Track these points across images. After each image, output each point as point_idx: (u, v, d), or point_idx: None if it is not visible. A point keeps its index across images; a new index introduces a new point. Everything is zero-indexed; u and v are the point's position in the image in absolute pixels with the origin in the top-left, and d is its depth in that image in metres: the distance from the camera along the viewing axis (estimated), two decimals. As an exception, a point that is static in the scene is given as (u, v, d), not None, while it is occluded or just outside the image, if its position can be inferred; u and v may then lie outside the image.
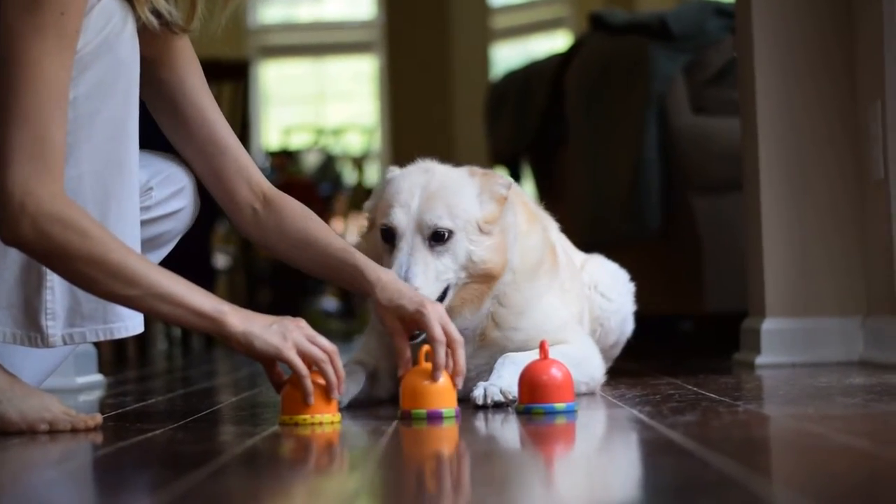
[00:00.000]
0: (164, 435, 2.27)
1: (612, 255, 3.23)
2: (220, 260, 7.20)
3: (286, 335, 2.25)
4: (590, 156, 5.04)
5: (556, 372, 2.38)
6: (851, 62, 3.46)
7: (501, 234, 2.63)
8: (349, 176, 9.72)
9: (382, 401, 2.69)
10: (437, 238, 2.57)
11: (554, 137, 5.44)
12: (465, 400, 2.49)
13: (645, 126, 4.55)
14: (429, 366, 2.38)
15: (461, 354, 2.43)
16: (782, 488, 1.55)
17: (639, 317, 3.15)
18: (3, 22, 2.17)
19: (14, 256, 2.27)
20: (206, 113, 2.49)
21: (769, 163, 3.48)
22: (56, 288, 2.30)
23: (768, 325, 3.46)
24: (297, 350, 2.26)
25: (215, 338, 2.37)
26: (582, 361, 2.70)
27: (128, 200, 2.34)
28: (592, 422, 2.37)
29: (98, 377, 3.57)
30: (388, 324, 2.49)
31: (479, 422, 2.33)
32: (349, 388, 2.59)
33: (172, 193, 2.53)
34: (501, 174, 2.73)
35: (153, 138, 2.49)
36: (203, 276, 5.70)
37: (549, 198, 3.71)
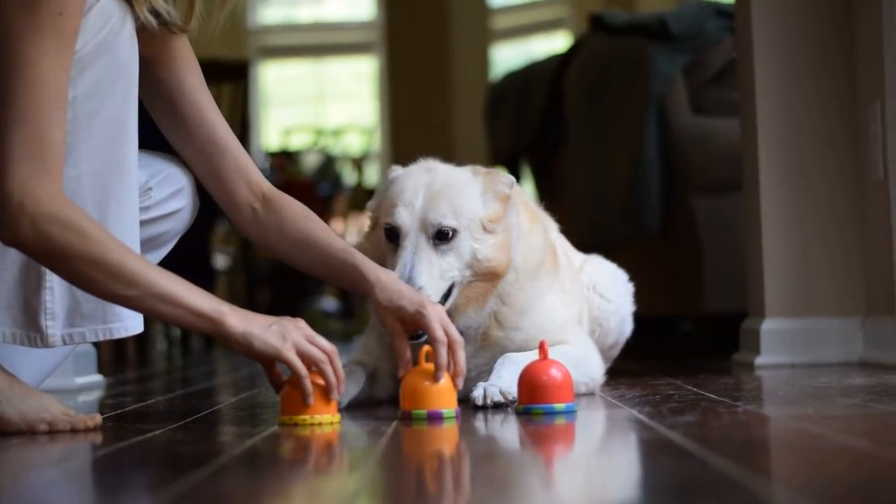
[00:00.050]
0: (163, 435, 2.27)
1: (611, 255, 3.23)
2: (220, 260, 7.20)
3: (285, 336, 2.25)
4: (589, 156, 5.04)
5: (555, 372, 2.38)
6: (851, 62, 3.46)
7: (505, 233, 2.63)
8: (349, 176, 9.72)
9: (382, 401, 2.69)
10: (442, 237, 2.57)
11: (553, 138, 5.44)
12: (464, 400, 2.48)
13: (645, 126, 4.55)
14: (429, 366, 2.38)
15: (461, 355, 2.43)
16: (782, 489, 1.55)
17: (638, 317, 3.15)
18: (1, 22, 2.17)
19: (13, 256, 2.27)
20: (205, 112, 2.49)
21: (769, 163, 3.48)
22: (55, 288, 2.29)
23: (768, 326, 3.46)
24: (297, 350, 2.26)
25: (215, 338, 2.37)
26: (581, 362, 2.70)
27: (127, 200, 2.34)
28: (592, 422, 2.37)
29: (97, 377, 3.57)
30: (388, 324, 2.49)
31: (479, 422, 2.33)
32: (349, 388, 2.58)
33: (171, 194, 2.53)
34: (504, 173, 2.73)
35: (151, 138, 2.49)
36: (202, 277, 5.70)
37: (549, 198, 3.71)
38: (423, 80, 10.27)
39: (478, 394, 2.48)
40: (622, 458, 1.96)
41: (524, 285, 2.68)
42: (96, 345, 3.70)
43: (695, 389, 2.74)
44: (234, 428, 2.43)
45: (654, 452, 1.94)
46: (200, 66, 2.50)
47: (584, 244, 3.31)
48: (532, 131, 5.56)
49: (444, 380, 2.38)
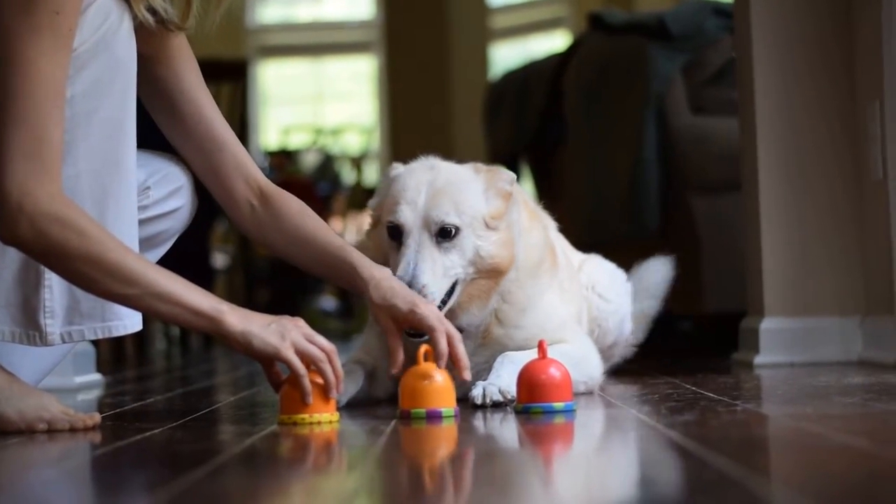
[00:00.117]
0: (162, 434, 2.27)
1: (610, 255, 3.23)
2: (219, 259, 7.20)
3: (284, 335, 2.25)
4: (588, 156, 5.04)
5: (554, 371, 2.37)
6: (850, 62, 3.46)
7: (507, 230, 2.63)
8: (348, 176, 9.72)
9: (381, 400, 2.69)
10: (445, 234, 2.57)
11: (552, 137, 5.44)
12: (463, 399, 2.48)
13: (644, 126, 4.55)
14: (427, 365, 2.38)
15: (461, 348, 2.43)
16: (781, 488, 1.55)
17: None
18: (-1, 22, 2.17)
19: (13, 255, 2.27)
20: (204, 110, 2.49)
21: (768, 163, 3.48)
22: (54, 286, 2.29)
23: (767, 325, 3.46)
24: (296, 349, 2.26)
25: (214, 337, 2.37)
26: (581, 361, 2.70)
27: (125, 199, 2.34)
28: (591, 421, 2.37)
29: (96, 376, 3.57)
30: (382, 322, 2.49)
31: (478, 421, 2.33)
32: (348, 387, 2.58)
33: (170, 192, 2.53)
34: (505, 170, 2.74)
35: (150, 137, 2.49)
36: (202, 276, 5.70)
37: (548, 198, 3.71)
38: (423, 79, 10.27)
39: (477, 393, 2.47)
40: (621, 457, 1.96)
41: (525, 283, 2.68)
42: (95, 344, 3.69)
43: (694, 388, 2.74)
44: (233, 427, 2.43)
45: (653, 451, 1.94)
46: (199, 66, 2.50)
47: (583, 243, 3.31)
48: (531, 130, 5.55)
49: (443, 379, 2.38)
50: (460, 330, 2.53)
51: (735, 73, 3.70)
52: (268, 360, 2.29)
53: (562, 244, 2.97)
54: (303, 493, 1.68)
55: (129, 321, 2.35)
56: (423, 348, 2.39)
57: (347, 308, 9.05)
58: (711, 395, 2.60)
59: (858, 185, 3.44)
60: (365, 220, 2.76)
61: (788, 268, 3.47)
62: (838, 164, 3.47)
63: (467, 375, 2.43)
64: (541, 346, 2.39)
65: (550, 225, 2.91)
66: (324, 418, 2.29)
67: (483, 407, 2.46)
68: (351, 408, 2.56)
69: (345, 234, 8.57)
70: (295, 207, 2.53)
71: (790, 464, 1.80)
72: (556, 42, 10.46)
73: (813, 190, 3.47)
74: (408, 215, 2.58)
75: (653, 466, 1.81)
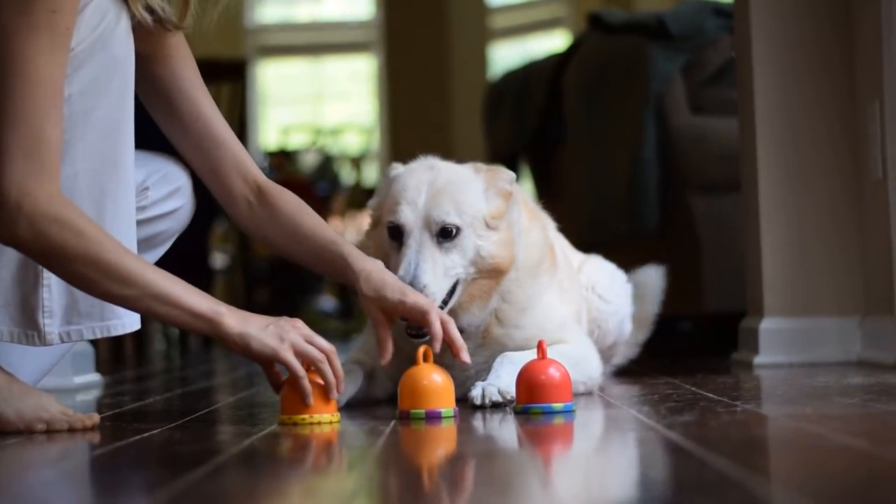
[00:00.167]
0: (161, 434, 2.27)
1: (610, 254, 3.23)
2: (218, 259, 7.20)
3: (283, 336, 2.25)
4: (588, 156, 5.04)
5: (554, 372, 2.37)
6: (850, 62, 3.46)
7: (508, 230, 2.63)
8: (347, 176, 9.72)
9: (380, 400, 2.68)
10: (445, 234, 2.57)
11: (552, 137, 5.44)
12: (462, 400, 2.48)
13: (643, 126, 4.55)
14: (426, 366, 2.38)
15: (455, 331, 2.43)
16: (780, 488, 1.55)
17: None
18: (-3, 22, 2.17)
19: (11, 255, 2.27)
20: (202, 108, 2.48)
21: (767, 163, 3.48)
22: (53, 286, 2.29)
23: (766, 325, 3.46)
24: (294, 351, 2.26)
25: (212, 338, 2.37)
26: (580, 361, 2.69)
27: (123, 199, 2.33)
28: (590, 422, 2.37)
29: (95, 377, 3.57)
30: (372, 314, 2.49)
31: (478, 422, 2.33)
32: (347, 387, 2.58)
33: (169, 193, 2.53)
34: (505, 169, 2.73)
35: (148, 136, 2.49)
36: (201, 276, 5.70)
37: (548, 197, 3.70)
38: (422, 79, 10.27)
39: (476, 393, 2.47)
40: (620, 457, 1.95)
41: (524, 283, 2.68)
42: (94, 344, 3.69)
43: (693, 389, 2.74)
44: (233, 427, 2.43)
45: (652, 452, 1.94)
46: (198, 66, 2.50)
47: (583, 243, 3.31)
48: (531, 130, 5.55)
49: (443, 379, 2.38)
50: (461, 330, 2.53)
51: (734, 73, 3.69)
52: (267, 362, 2.29)
53: (561, 244, 2.97)
54: (302, 494, 1.67)
55: (127, 320, 2.35)
56: (423, 348, 2.39)
57: (347, 308, 9.05)
58: (711, 395, 2.60)
59: (858, 185, 3.44)
60: (365, 220, 2.75)
61: (788, 268, 3.47)
62: (838, 164, 3.47)
63: (465, 357, 2.43)
64: (540, 347, 2.39)
65: (550, 224, 2.91)
66: (324, 419, 2.29)
67: (482, 407, 2.46)
68: (350, 408, 2.56)
69: (345, 233, 8.57)
70: (291, 203, 2.53)
71: (790, 464, 1.80)
72: (555, 42, 10.47)
73: (813, 190, 3.47)
74: (408, 215, 2.58)
75: (652, 467, 1.81)
